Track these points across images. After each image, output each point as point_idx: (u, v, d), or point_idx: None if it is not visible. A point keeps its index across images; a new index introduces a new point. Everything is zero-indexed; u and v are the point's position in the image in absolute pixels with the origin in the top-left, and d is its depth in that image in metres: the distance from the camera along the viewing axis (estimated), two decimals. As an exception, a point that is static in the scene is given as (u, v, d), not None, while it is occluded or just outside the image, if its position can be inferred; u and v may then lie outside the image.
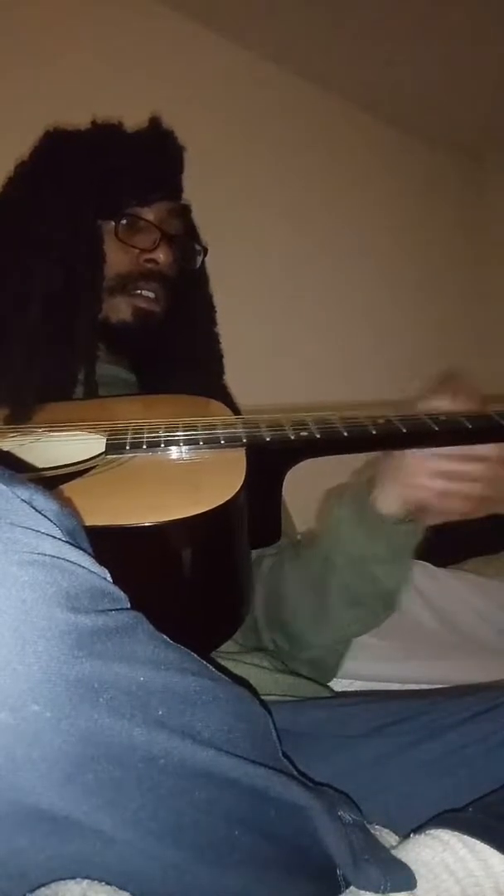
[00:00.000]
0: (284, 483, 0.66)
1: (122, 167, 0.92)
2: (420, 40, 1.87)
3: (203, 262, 1.01)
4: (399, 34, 1.84)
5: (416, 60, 1.94)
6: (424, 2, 1.74)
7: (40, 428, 0.71)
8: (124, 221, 0.91)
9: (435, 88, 2.05)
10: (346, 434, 0.64)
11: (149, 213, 0.92)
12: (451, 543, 1.24)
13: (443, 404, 0.69)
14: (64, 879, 0.36)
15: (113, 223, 0.91)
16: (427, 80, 2.01)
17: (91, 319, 0.88)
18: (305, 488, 1.03)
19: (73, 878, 0.36)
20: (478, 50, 1.89)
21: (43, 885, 0.36)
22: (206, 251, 1.00)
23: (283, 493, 0.85)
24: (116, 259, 0.91)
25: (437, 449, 0.68)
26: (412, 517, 0.74)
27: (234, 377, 1.04)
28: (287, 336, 1.90)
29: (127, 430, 0.67)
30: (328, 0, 1.71)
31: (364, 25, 1.80)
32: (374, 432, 0.64)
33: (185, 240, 0.97)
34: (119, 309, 0.91)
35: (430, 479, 0.69)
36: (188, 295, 0.98)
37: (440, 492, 0.69)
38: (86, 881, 0.36)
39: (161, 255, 0.91)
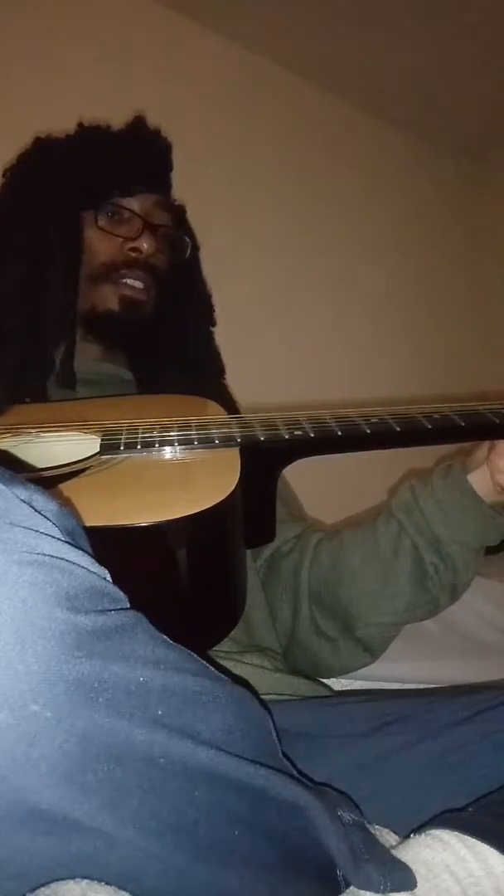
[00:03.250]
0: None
1: (104, 159, 0.93)
2: (421, 40, 1.86)
3: (196, 258, 1.01)
4: (400, 34, 1.84)
5: (417, 60, 1.94)
6: (426, 1, 1.74)
7: (34, 428, 0.71)
8: (106, 211, 0.92)
9: (436, 88, 2.05)
10: (339, 433, 0.64)
11: (133, 204, 0.93)
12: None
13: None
14: (64, 879, 0.36)
15: (95, 213, 0.91)
16: (428, 79, 2.01)
17: (64, 303, 0.89)
18: (302, 488, 1.03)
19: (72, 878, 0.36)
20: (479, 49, 1.89)
21: (43, 885, 0.36)
22: (194, 243, 1.00)
23: (294, 486, 0.84)
24: (99, 248, 0.91)
25: None
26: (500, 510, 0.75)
27: (235, 376, 1.04)
28: (287, 335, 1.90)
29: (121, 430, 0.67)
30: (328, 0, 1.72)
31: (364, 25, 1.80)
32: (367, 431, 0.64)
33: (173, 231, 0.98)
34: (105, 298, 0.91)
35: None
36: (181, 292, 0.98)
37: None
38: (85, 881, 0.36)
39: (145, 244, 0.91)
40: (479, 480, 0.75)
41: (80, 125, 0.99)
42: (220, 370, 1.02)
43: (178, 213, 1.00)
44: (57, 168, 0.94)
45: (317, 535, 0.87)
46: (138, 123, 0.99)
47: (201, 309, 1.02)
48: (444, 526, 0.76)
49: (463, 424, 0.65)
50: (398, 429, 0.65)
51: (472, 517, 0.75)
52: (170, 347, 0.95)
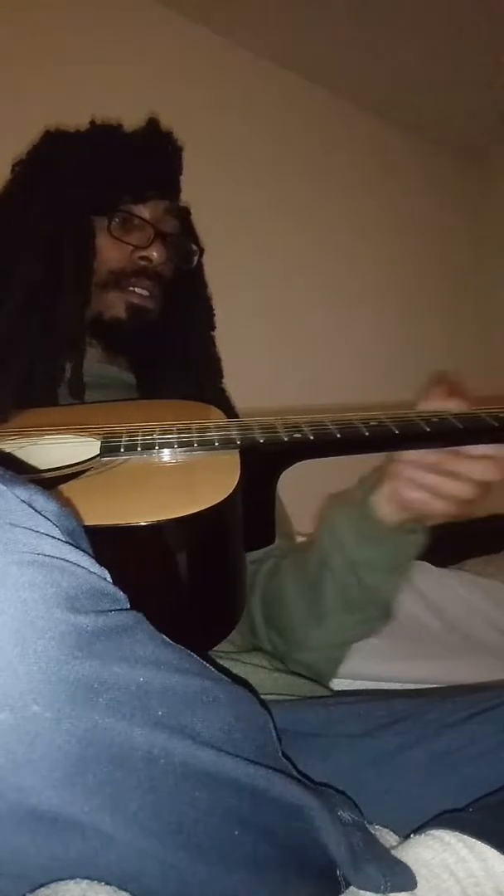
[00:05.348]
0: (280, 486, 0.66)
1: (118, 164, 0.92)
2: (421, 40, 1.87)
3: (200, 263, 1.01)
4: (400, 34, 1.84)
5: (417, 60, 1.94)
6: (425, 1, 1.74)
7: (35, 431, 0.71)
8: (118, 218, 0.91)
9: (436, 88, 2.05)
10: (338, 436, 0.64)
11: (144, 211, 0.92)
12: (451, 543, 1.24)
13: (437, 405, 0.69)
14: (64, 879, 0.36)
15: (107, 219, 0.91)
16: (428, 79, 2.01)
17: (76, 312, 0.88)
18: (301, 491, 1.03)
19: (72, 878, 0.36)
20: (479, 49, 1.90)
21: (43, 885, 0.36)
22: (202, 251, 1.00)
23: (282, 496, 0.84)
24: (109, 255, 0.91)
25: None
26: (411, 527, 0.73)
27: (234, 379, 1.04)
28: (287, 337, 1.90)
29: (121, 433, 0.67)
30: None
31: (364, 25, 1.80)
32: (366, 434, 0.65)
33: (181, 239, 0.97)
34: (112, 305, 0.91)
35: (420, 476, 0.68)
36: (184, 296, 0.97)
37: (430, 489, 0.68)
38: (85, 881, 0.36)
39: (155, 253, 0.91)
40: (386, 498, 0.72)
41: (93, 122, 0.98)
42: (219, 373, 1.02)
43: (185, 217, 1.00)
44: (69, 168, 0.93)
45: (269, 564, 0.86)
46: (152, 126, 0.98)
47: (203, 312, 1.02)
48: (355, 550, 0.75)
49: (461, 427, 0.65)
50: (396, 431, 0.65)
51: (375, 542, 0.74)
52: (172, 350, 0.95)
